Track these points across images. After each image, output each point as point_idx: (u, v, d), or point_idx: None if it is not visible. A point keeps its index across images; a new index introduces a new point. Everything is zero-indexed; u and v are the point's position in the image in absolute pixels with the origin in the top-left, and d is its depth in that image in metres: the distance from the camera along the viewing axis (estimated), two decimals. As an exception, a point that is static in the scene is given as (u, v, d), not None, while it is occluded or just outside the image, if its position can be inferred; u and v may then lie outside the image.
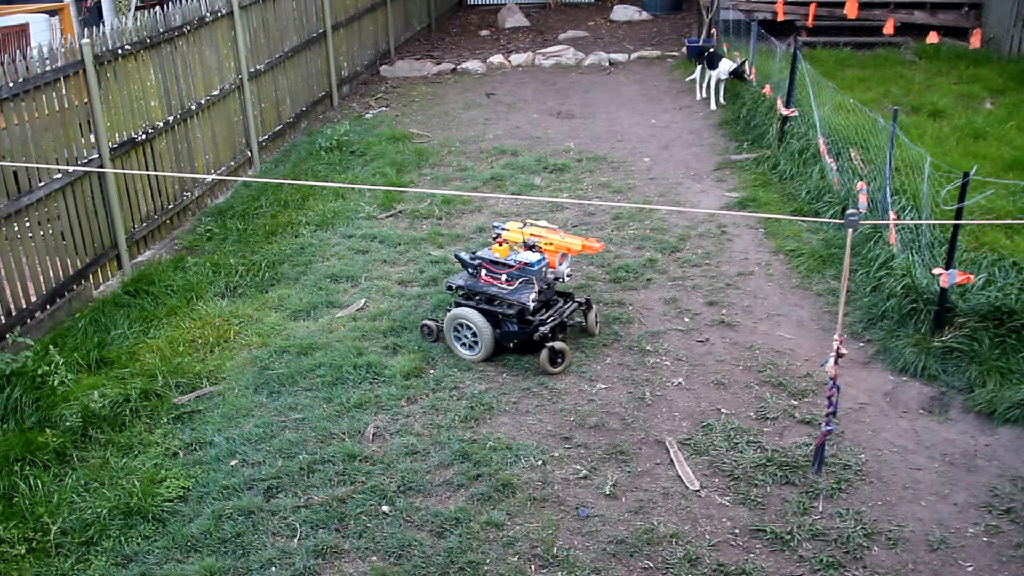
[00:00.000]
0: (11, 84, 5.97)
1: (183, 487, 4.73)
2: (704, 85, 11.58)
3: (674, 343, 6.01)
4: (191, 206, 8.39)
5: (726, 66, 10.81)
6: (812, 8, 11.51)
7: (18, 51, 6.26)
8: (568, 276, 5.97)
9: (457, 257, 6.05)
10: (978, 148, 8.69)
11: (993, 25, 12.68)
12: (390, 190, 8.46)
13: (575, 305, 6.00)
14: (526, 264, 5.74)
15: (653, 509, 4.51)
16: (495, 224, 6.22)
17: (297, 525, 4.43)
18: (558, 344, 5.67)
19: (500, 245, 5.90)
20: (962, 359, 5.53)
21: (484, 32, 16.81)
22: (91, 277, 6.91)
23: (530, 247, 5.90)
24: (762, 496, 4.58)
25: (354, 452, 4.93)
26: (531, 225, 6.12)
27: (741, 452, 4.90)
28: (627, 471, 4.79)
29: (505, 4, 18.19)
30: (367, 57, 13.48)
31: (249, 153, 9.56)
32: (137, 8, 13.07)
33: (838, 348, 3.92)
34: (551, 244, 5.89)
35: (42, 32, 11.00)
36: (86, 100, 6.86)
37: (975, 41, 10.45)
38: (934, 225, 6.33)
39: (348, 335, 6.14)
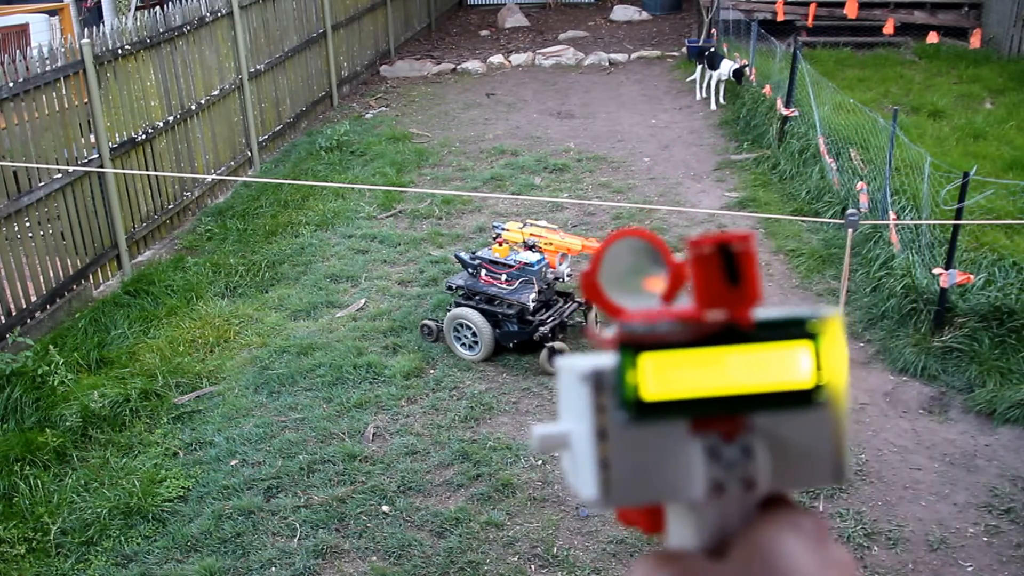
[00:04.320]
0: (11, 84, 5.97)
1: (183, 487, 4.73)
2: (704, 85, 11.57)
3: (674, 343, 6.00)
4: (191, 206, 8.39)
5: (727, 66, 10.81)
6: (812, 8, 11.50)
7: (18, 51, 6.26)
8: (568, 276, 5.98)
9: (457, 257, 6.04)
10: (978, 148, 8.69)
11: (993, 25, 12.68)
12: (390, 190, 8.46)
13: (575, 305, 6.00)
14: (526, 264, 5.74)
15: (653, 509, 4.51)
16: (495, 224, 6.22)
17: (297, 525, 4.43)
18: (558, 344, 5.67)
19: (500, 245, 5.90)
20: (962, 359, 5.53)
21: (484, 32, 16.81)
22: (91, 277, 6.91)
23: (530, 247, 5.90)
24: (762, 496, 4.57)
25: (354, 452, 4.93)
26: (531, 225, 6.12)
27: (741, 452, 4.90)
28: (627, 471, 4.78)
29: (505, 4, 18.19)
30: (367, 57, 13.48)
31: (249, 153, 9.56)
32: (137, 8, 13.06)
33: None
34: (551, 244, 5.89)
35: (42, 32, 10.99)
36: (86, 100, 6.86)
37: (975, 41, 10.45)
38: (934, 225, 6.33)
39: (348, 335, 6.15)
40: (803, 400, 0.46)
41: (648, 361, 0.46)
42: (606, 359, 0.47)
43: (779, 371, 0.46)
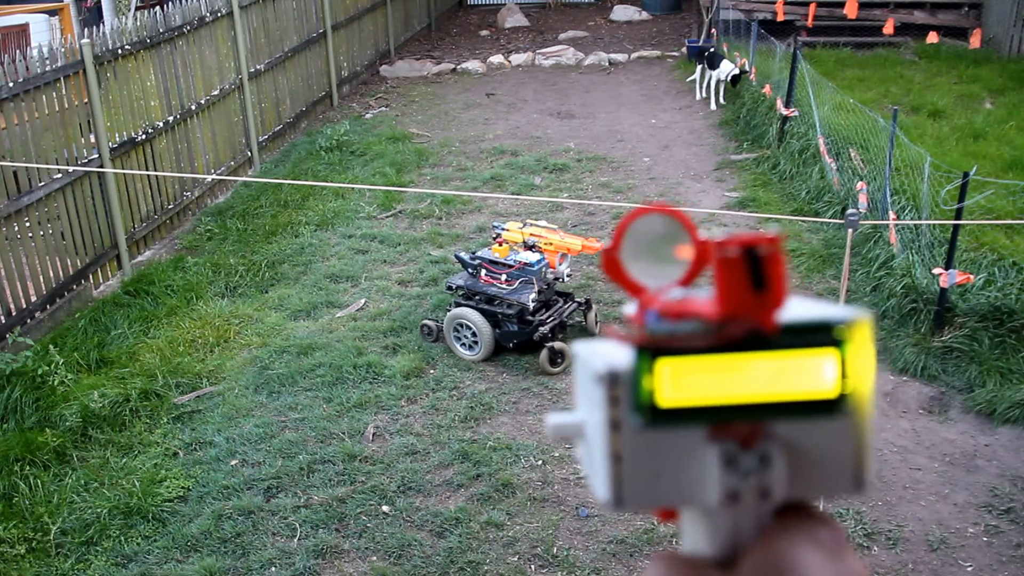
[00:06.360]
0: (11, 84, 5.97)
1: (183, 487, 4.73)
2: (704, 85, 11.57)
3: (674, 343, 6.00)
4: (191, 206, 8.39)
5: (727, 67, 10.80)
6: (812, 8, 11.50)
7: (18, 51, 6.26)
8: (568, 276, 5.97)
9: (457, 257, 6.05)
10: (978, 148, 8.70)
11: (993, 25, 12.68)
12: (390, 190, 8.46)
13: (575, 305, 6.00)
14: (526, 264, 5.74)
15: (653, 509, 4.51)
16: (495, 224, 6.22)
17: (297, 525, 4.43)
18: (558, 344, 5.67)
19: (500, 245, 5.90)
20: (962, 359, 5.53)
21: (484, 32, 16.81)
22: (91, 277, 6.91)
23: (530, 247, 5.90)
24: (762, 496, 4.57)
25: (354, 452, 4.93)
26: (531, 225, 6.12)
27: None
28: (627, 471, 4.78)
29: (505, 4, 18.19)
30: (367, 57, 13.48)
31: (249, 153, 9.56)
32: (137, 8, 13.06)
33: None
34: (551, 244, 5.89)
35: (42, 32, 10.99)
36: (86, 100, 6.86)
37: (975, 41, 10.44)
38: (934, 225, 6.33)
39: (348, 335, 6.15)
40: (826, 410, 0.45)
41: (665, 367, 0.44)
42: (622, 355, 0.45)
43: (802, 379, 0.45)
